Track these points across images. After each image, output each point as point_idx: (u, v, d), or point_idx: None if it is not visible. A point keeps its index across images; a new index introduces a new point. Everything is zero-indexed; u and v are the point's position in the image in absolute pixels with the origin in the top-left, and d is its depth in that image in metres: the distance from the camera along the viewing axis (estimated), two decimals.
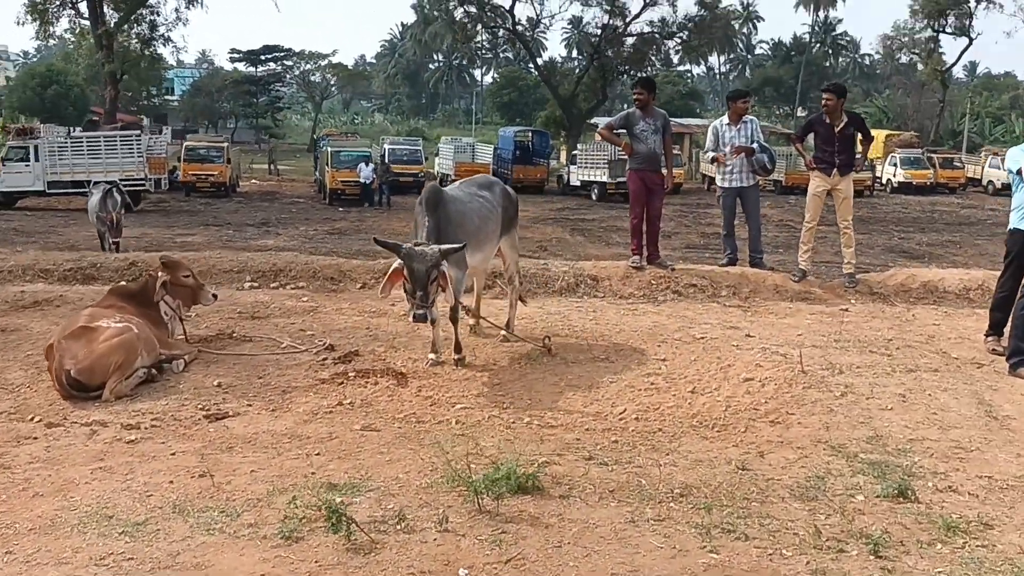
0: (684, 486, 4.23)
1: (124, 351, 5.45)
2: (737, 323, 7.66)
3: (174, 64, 74.62)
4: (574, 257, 19.47)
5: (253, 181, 40.19)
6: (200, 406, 5.30)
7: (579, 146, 38.89)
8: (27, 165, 26.56)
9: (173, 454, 4.56)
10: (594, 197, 33.24)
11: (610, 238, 22.87)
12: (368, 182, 30.47)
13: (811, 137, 9.39)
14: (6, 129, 28.25)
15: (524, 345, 6.65)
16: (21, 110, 61.18)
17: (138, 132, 29.12)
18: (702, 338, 7.04)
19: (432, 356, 6.28)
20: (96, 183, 18.52)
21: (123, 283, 6.58)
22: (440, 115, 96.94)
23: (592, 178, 33.96)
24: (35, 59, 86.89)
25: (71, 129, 32.13)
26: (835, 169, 8.87)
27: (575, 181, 35.37)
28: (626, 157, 9.21)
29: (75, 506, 3.92)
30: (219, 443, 4.74)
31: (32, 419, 5.04)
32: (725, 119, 9.48)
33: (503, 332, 6.99)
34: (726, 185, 9.46)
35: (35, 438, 4.77)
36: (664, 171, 9.18)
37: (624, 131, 9.30)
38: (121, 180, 26.15)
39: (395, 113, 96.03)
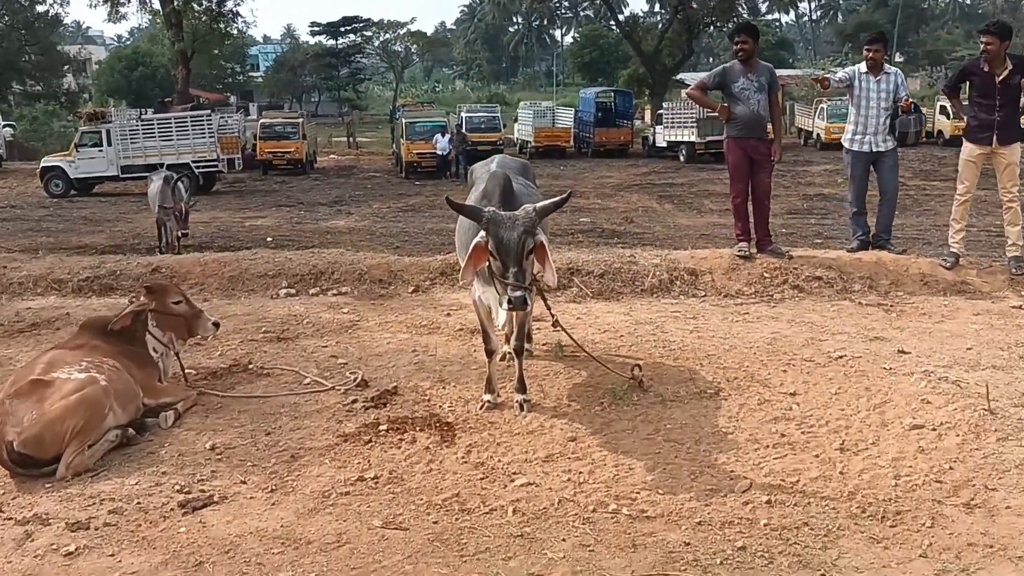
0: None
1: (85, 412, 4.20)
2: (882, 331, 6.00)
3: (257, 40, 74.84)
4: (663, 229, 17.86)
5: (332, 156, 39.38)
6: (179, 485, 4.00)
7: (664, 104, 36.76)
8: (100, 150, 26.09)
9: None
10: (682, 159, 31.30)
11: (702, 205, 21.08)
12: (444, 153, 29.22)
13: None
14: (78, 114, 27.92)
15: (605, 375, 5.16)
16: (109, 93, 62.14)
17: (209, 112, 28.37)
18: (840, 357, 5.43)
19: (488, 398, 4.87)
20: (159, 169, 17.75)
21: (99, 314, 5.32)
22: (521, 79, 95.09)
23: (680, 138, 31.93)
24: (128, 43, 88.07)
25: (142, 112, 31.69)
26: (994, 135, 7.07)
27: (661, 142, 33.38)
28: (722, 120, 7.56)
29: None
30: (185, 554, 3.43)
31: None
32: (863, 67, 7.64)
33: (510, 349, 5.46)
34: (856, 148, 7.66)
35: None
36: (771, 137, 7.53)
37: (719, 91, 7.65)
38: (194, 162, 25.79)
39: (476, 79, 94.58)
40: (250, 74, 76.21)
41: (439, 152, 29.25)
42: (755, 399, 4.83)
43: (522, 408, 4.78)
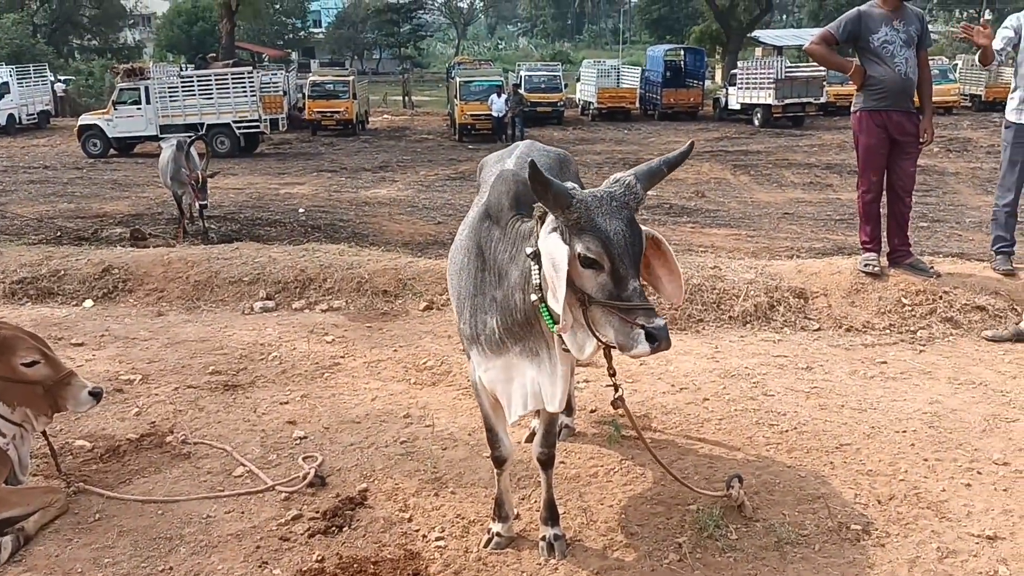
0: None
1: None
2: None
3: None
4: (740, 206, 15.74)
5: (385, 116, 37.69)
6: None
7: (739, 64, 34.14)
8: (139, 108, 24.81)
9: None
10: (756, 123, 28.92)
11: (782, 176, 18.89)
12: (500, 115, 27.31)
13: None
14: (114, 70, 26.55)
15: (681, 491, 3.33)
16: (168, 48, 61.41)
17: (250, 69, 26.81)
18: None
19: (497, 529, 3.09)
20: (170, 137, 16.21)
21: None
22: (586, 36, 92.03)
23: (754, 100, 29.44)
24: None
25: (182, 67, 30.26)
26: None
27: (734, 104, 30.94)
28: (852, 85, 5.51)
29: None
30: None
31: None
32: None
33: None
34: None
35: None
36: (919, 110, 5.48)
37: (847, 45, 5.64)
38: (235, 122, 24.43)
39: (540, 36, 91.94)
40: (311, 30, 74.93)
41: (494, 114, 27.36)
42: (931, 548, 2.97)
43: (551, 550, 2.99)
